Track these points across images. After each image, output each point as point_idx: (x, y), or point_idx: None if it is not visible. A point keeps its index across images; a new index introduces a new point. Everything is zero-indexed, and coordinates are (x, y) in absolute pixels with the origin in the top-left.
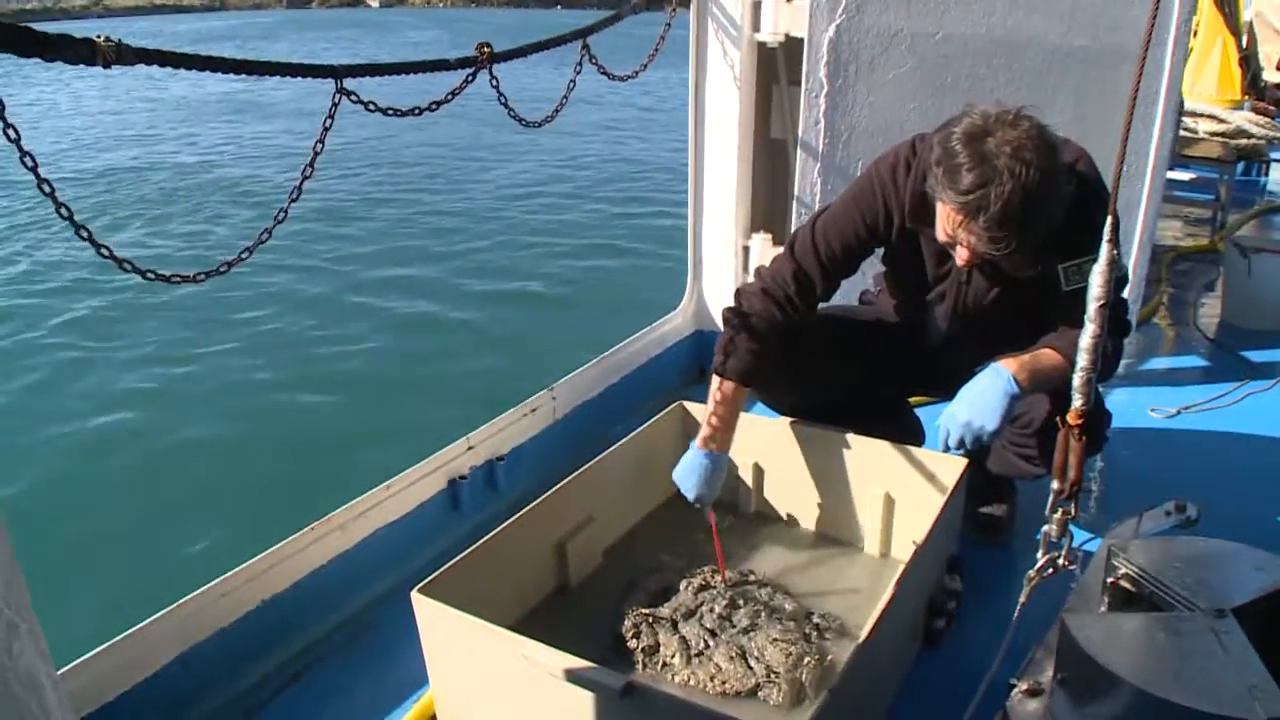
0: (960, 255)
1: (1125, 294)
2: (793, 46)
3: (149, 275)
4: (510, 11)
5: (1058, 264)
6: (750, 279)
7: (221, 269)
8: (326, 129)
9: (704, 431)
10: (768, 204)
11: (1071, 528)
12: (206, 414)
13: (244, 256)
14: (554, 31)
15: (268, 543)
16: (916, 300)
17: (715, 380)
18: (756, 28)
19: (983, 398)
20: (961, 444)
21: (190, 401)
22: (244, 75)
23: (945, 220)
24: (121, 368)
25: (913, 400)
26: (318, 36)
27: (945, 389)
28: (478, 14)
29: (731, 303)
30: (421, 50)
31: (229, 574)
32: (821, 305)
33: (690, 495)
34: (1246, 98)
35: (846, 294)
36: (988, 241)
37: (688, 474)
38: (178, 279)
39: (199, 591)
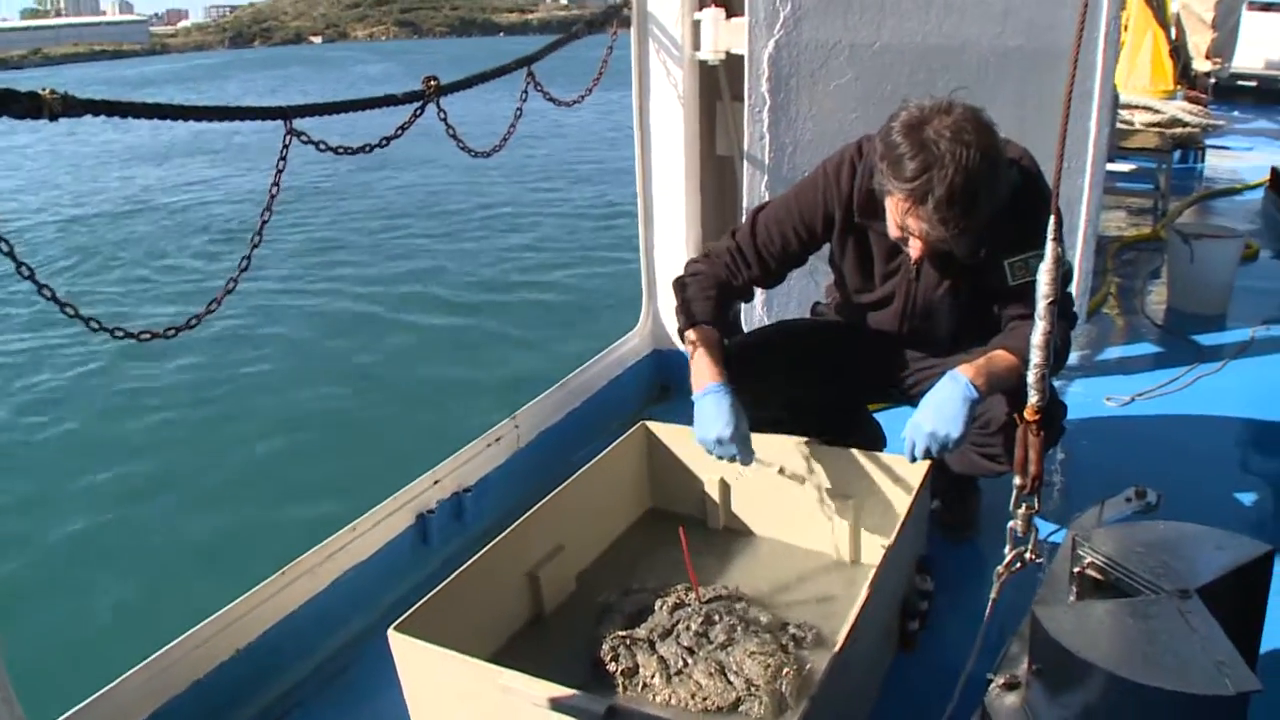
0: (914, 248)
1: (1072, 287)
2: (734, 63)
3: (117, 333)
4: (453, 40)
5: (1004, 259)
6: None
7: (192, 323)
8: (280, 170)
9: (696, 374)
10: (717, 220)
11: (1036, 521)
12: (165, 463)
13: (212, 308)
14: (500, 58)
15: (238, 590)
16: (866, 299)
17: (689, 335)
18: (697, 46)
19: (945, 406)
20: (928, 454)
21: (148, 450)
22: (193, 121)
23: (895, 212)
24: (69, 418)
25: (871, 406)
26: (270, 75)
27: (901, 392)
28: (420, 44)
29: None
30: (376, 84)
31: (201, 624)
32: (777, 322)
33: (726, 438)
34: (1179, 87)
35: (800, 307)
36: (938, 224)
37: (710, 422)
38: (147, 335)
39: (172, 644)
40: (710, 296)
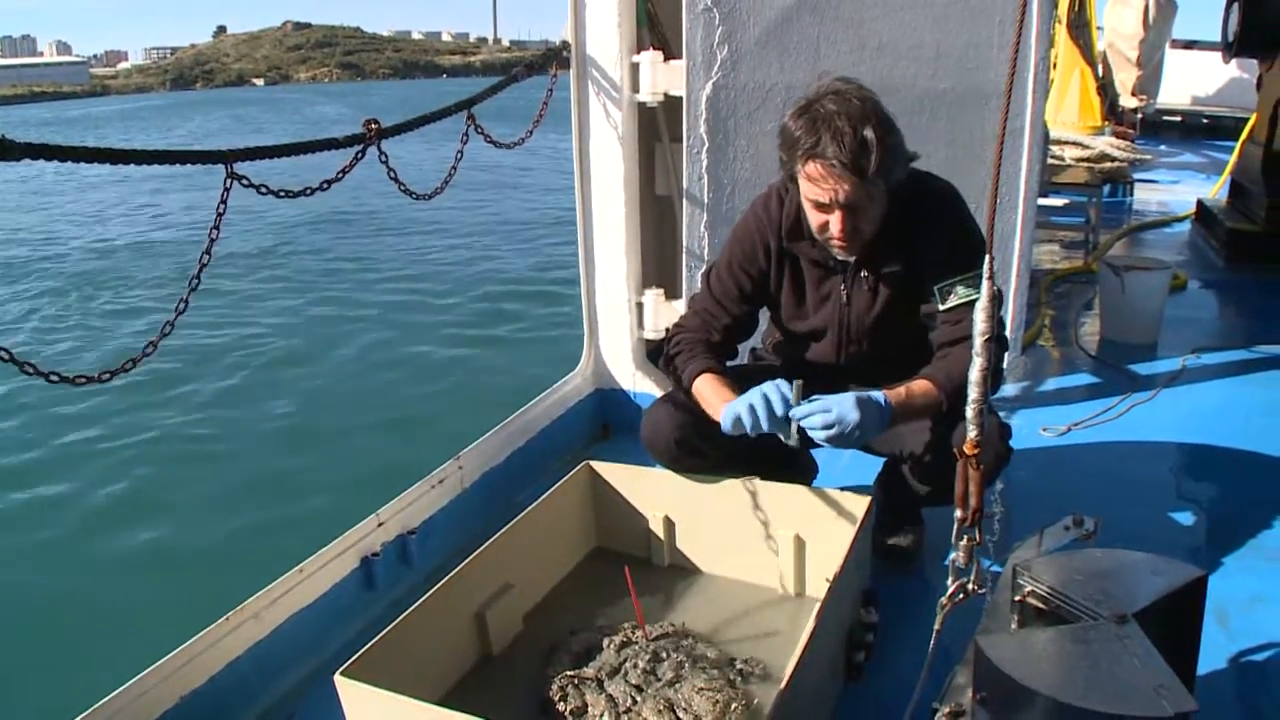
0: (834, 228)
1: (1007, 318)
2: (672, 104)
3: (51, 377)
4: (397, 83)
5: (932, 284)
6: (646, 335)
7: (127, 366)
8: (220, 214)
9: (719, 401)
10: (658, 259)
11: (978, 552)
12: (101, 507)
13: (148, 352)
14: (446, 100)
15: (181, 637)
16: (802, 328)
17: (695, 386)
18: (636, 88)
19: (854, 399)
20: (829, 430)
21: (84, 494)
22: (133, 165)
23: (807, 190)
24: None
25: None
26: (227, 115)
27: None
28: (367, 86)
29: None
30: (336, 124)
31: (144, 673)
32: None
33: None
34: (1106, 123)
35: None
36: (841, 169)
37: (741, 400)
38: (82, 380)
39: (113, 695)
40: (697, 354)
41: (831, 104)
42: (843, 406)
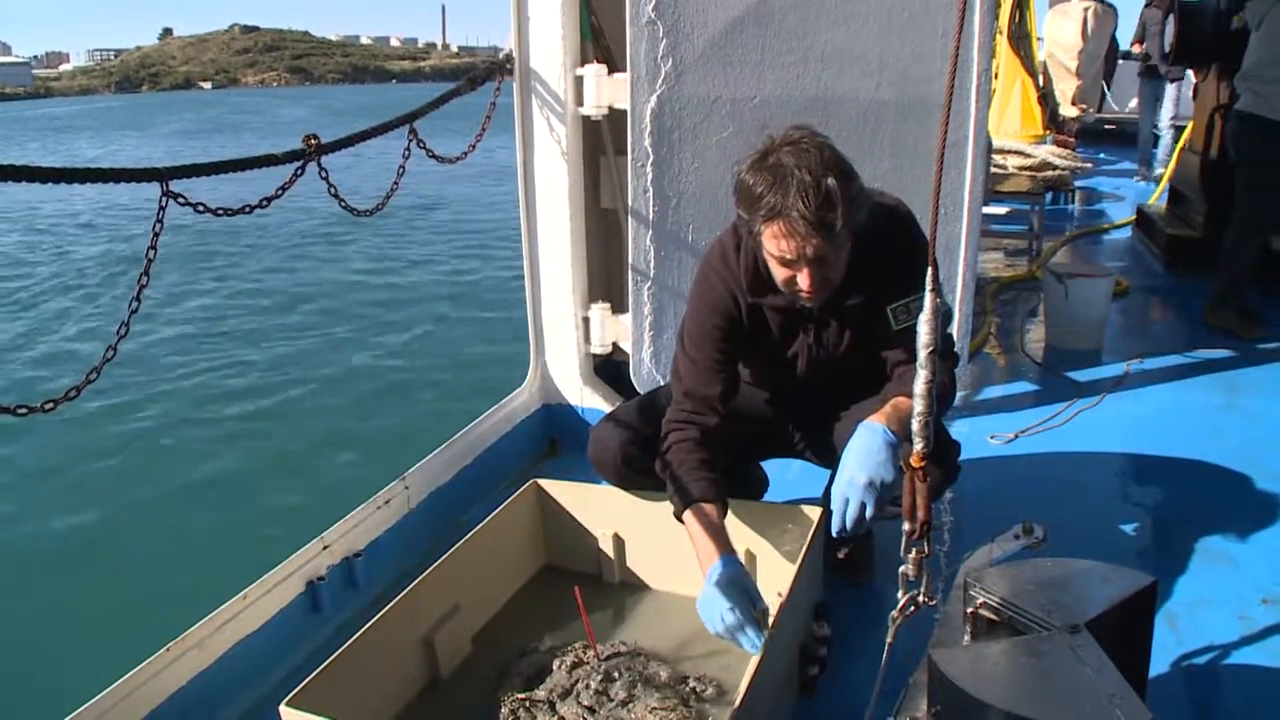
0: (803, 283)
1: (953, 328)
2: (617, 118)
3: None
4: (348, 87)
5: (886, 306)
6: (593, 350)
7: (71, 395)
8: (157, 234)
9: (703, 557)
10: (604, 273)
11: (928, 563)
12: (34, 535)
13: (91, 379)
14: (401, 104)
15: (122, 670)
16: (772, 366)
17: (684, 518)
18: (580, 102)
19: (870, 454)
20: (863, 514)
21: (15, 522)
22: (64, 184)
23: (772, 248)
24: None
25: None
26: (191, 117)
27: (801, 439)
28: (315, 90)
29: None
30: (305, 128)
31: (82, 709)
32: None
33: (731, 622)
34: (1048, 132)
35: None
36: (805, 226)
37: (714, 603)
38: (23, 410)
39: None
40: (689, 468)
41: (789, 156)
42: (854, 489)
